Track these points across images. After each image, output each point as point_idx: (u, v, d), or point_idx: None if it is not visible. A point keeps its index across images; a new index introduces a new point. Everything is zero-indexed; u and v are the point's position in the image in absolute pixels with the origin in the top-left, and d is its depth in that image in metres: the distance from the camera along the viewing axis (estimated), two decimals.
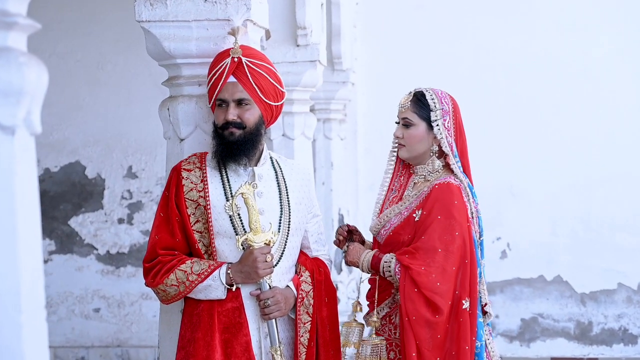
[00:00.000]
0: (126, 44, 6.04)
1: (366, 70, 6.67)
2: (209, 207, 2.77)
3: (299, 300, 2.87)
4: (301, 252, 3.00)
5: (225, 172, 2.83)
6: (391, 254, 2.96)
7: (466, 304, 2.88)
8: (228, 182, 2.82)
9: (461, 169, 3.04)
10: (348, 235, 3.17)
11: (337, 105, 6.13)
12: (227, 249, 2.79)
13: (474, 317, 2.91)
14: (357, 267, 3.07)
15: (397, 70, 6.50)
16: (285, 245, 2.88)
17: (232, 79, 2.76)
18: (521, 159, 6.51)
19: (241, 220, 2.78)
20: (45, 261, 6.18)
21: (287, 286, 2.87)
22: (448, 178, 3.00)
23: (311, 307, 2.89)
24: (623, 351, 6.53)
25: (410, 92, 3.08)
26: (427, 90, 3.06)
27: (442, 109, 3.02)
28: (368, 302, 3.08)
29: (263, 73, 2.78)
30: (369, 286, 3.12)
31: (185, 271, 2.73)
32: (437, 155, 3.05)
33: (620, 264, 6.46)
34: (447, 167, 3.06)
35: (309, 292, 2.90)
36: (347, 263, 3.10)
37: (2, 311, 1.45)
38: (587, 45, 6.45)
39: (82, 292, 6.21)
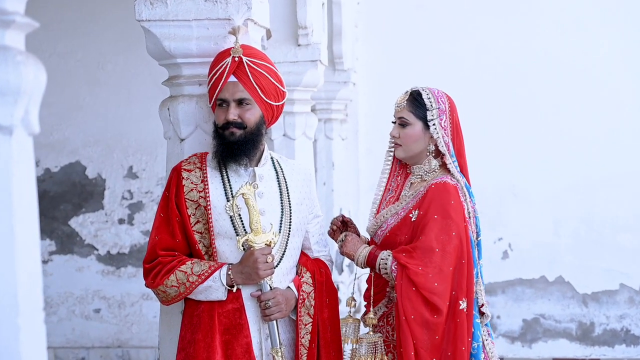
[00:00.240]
0: (126, 44, 6.03)
1: (367, 70, 6.66)
2: (209, 207, 2.76)
3: (300, 301, 2.85)
4: (302, 253, 2.99)
5: (226, 172, 2.81)
6: (388, 251, 2.94)
7: (463, 305, 2.87)
8: (229, 182, 2.81)
9: (458, 168, 3.02)
10: (342, 227, 3.15)
11: (338, 105, 6.13)
12: (228, 249, 2.78)
13: (470, 317, 2.89)
14: (352, 259, 3.04)
15: (398, 70, 6.49)
16: (286, 246, 2.86)
17: (232, 78, 2.75)
18: (523, 159, 6.50)
19: (242, 221, 2.76)
20: (46, 261, 6.17)
21: (288, 287, 2.86)
22: (444, 178, 2.98)
23: (312, 308, 2.88)
24: (625, 352, 6.52)
25: (407, 91, 3.06)
26: (423, 89, 3.04)
27: (439, 108, 3.00)
28: (365, 303, 3.06)
29: (264, 73, 2.77)
30: (366, 286, 3.11)
31: (186, 272, 2.71)
32: (433, 155, 3.03)
33: (622, 265, 6.45)
34: (444, 166, 3.04)
35: (310, 293, 2.88)
36: (341, 253, 3.07)
37: None
38: (589, 45, 6.44)
39: (83, 293, 6.20)
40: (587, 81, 6.43)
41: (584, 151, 6.45)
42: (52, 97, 5.97)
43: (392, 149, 3.12)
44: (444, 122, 3.00)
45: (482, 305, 3.01)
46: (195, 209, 2.77)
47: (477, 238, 3.03)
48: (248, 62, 2.74)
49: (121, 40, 6.05)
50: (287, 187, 2.90)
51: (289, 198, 2.89)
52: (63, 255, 6.21)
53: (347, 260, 5.99)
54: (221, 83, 2.74)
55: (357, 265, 3.05)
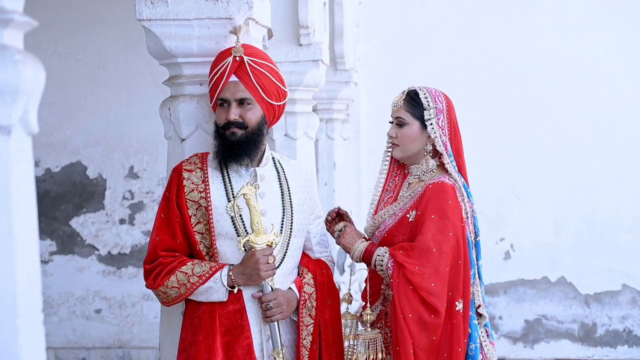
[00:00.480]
0: (127, 43, 6.02)
1: (369, 70, 6.65)
2: (210, 208, 2.74)
3: (302, 302, 2.84)
4: (303, 254, 2.97)
5: (227, 172, 2.80)
6: (385, 247, 2.91)
7: (459, 306, 2.85)
8: (230, 182, 2.79)
9: (456, 168, 3.00)
10: (338, 219, 3.13)
11: (339, 105, 6.12)
12: (229, 250, 2.77)
13: (466, 318, 2.88)
14: (348, 252, 3.02)
15: (399, 69, 6.48)
16: (288, 246, 2.85)
17: (233, 78, 2.73)
18: (524, 160, 6.49)
19: (243, 222, 2.75)
20: (46, 262, 6.16)
21: (290, 288, 2.84)
22: (442, 178, 2.96)
23: (314, 309, 2.86)
24: (627, 353, 6.50)
25: (404, 91, 3.04)
26: (420, 89, 3.01)
27: (436, 107, 2.98)
28: (364, 303, 3.04)
29: (265, 72, 2.75)
30: (364, 285, 3.09)
31: (186, 273, 2.70)
32: (431, 154, 3.01)
33: (624, 265, 6.44)
34: (441, 166, 3.02)
35: (311, 294, 2.87)
36: (338, 243, 3.05)
37: None
38: (589, 45, 6.43)
39: (83, 293, 6.19)
40: (588, 81, 6.43)
41: (585, 151, 6.44)
42: (53, 97, 5.97)
43: (390, 149, 3.10)
44: (442, 122, 2.98)
45: (479, 306, 2.98)
46: (196, 209, 2.75)
47: (475, 238, 3.00)
48: (249, 61, 2.73)
49: (122, 39, 6.04)
50: (288, 188, 2.89)
51: (290, 198, 2.88)
52: (64, 255, 6.20)
53: (348, 261, 5.97)
54: (222, 83, 2.73)
55: (352, 259, 3.03)
